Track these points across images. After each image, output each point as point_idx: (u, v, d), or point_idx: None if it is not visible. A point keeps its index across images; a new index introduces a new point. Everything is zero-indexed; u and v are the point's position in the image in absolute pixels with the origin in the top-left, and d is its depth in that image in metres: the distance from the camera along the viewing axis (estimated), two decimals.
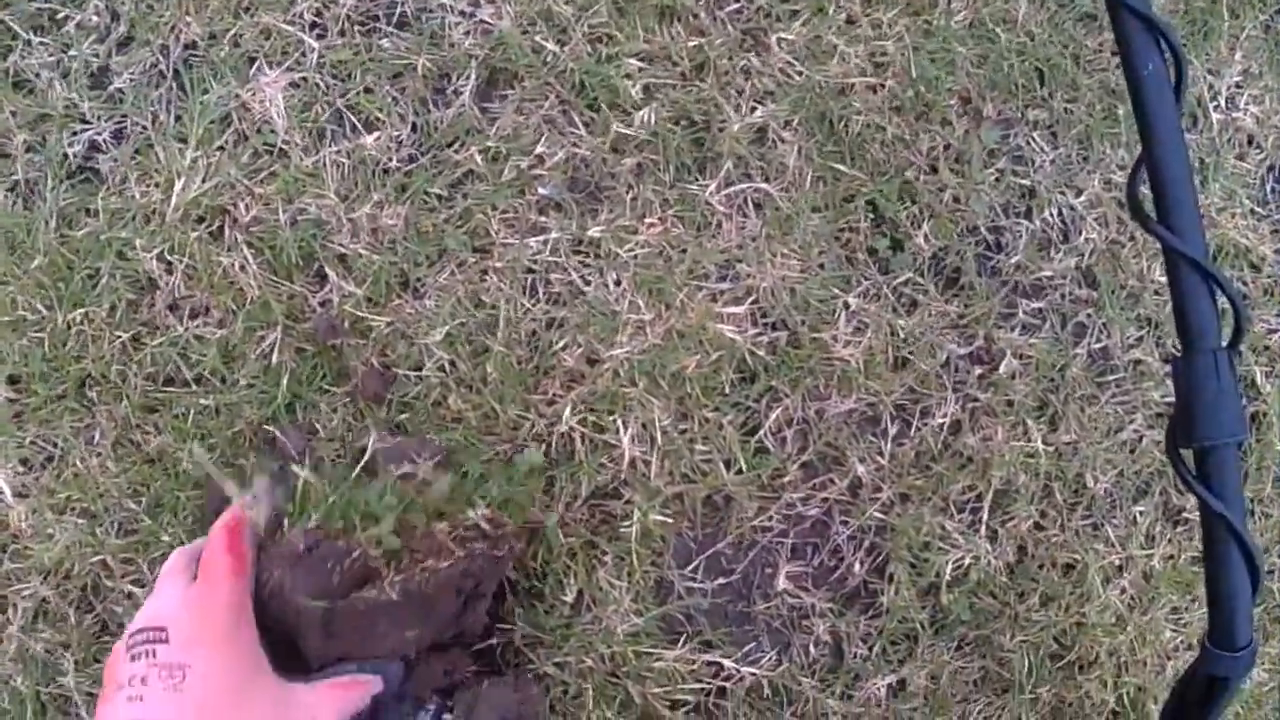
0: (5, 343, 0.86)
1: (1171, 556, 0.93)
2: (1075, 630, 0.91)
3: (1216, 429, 0.65)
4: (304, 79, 0.88)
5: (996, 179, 0.93)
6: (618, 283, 0.87)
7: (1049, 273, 0.93)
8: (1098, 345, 0.93)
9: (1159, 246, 0.69)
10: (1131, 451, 0.93)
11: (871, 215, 0.91)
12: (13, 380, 0.87)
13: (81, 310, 0.86)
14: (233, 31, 0.89)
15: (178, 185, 0.86)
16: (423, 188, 0.87)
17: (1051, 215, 0.93)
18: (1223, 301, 0.66)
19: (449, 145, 0.87)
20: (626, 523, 0.85)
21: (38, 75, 0.90)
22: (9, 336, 0.86)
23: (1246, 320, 0.74)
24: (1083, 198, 0.93)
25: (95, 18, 0.90)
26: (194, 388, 0.85)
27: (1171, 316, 0.69)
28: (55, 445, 0.87)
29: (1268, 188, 0.99)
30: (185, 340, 0.85)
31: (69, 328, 0.86)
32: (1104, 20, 0.94)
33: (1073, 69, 0.93)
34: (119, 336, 0.86)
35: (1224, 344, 0.66)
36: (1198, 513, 0.75)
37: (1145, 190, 0.67)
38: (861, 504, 0.90)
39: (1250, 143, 0.98)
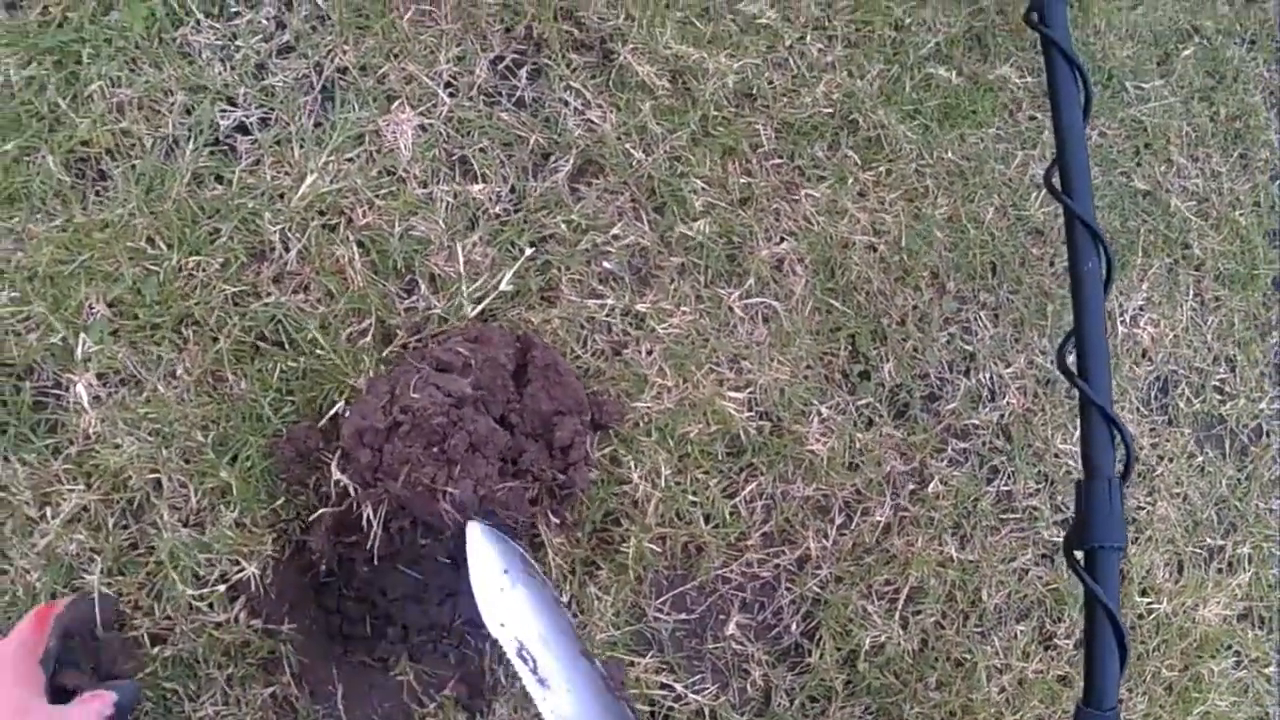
0: (123, 267, 1.09)
1: (1042, 671, 1.28)
2: (961, 713, 1.23)
3: (1105, 536, 1.01)
4: (431, 125, 1.19)
5: (948, 340, 1.31)
6: (650, 352, 1.19)
7: (976, 422, 1.30)
8: (1005, 488, 1.31)
9: (1065, 416, 1.08)
10: (1020, 579, 1.29)
11: (850, 347, 1.28)
12: (115, 303, 1.10)
13: (197, 258, 1.11)
14: (382, 69, 1.19)
15: (309, 179, 1.14)
16: (511, 238, 1.18)
17: (984, 378, 1.32)
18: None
19: (539, 210, 1.19)
20: (624, 547, 1.14)
21: (201, 52, 1.18)
22: (126, 263, 1.10)
23: (1134, 459, 1.12)
24: (1011, 369, 1.32)
25: (265, 20, 1.20)
26: (286, 349, 1.10)
27: (1067, 476, 1.06)
28: (142, 369, 1.09)
29: (1152, 394, 1.41)
30: (287, 308, 1.11)
31: (181, 270, 1.10)
32: (1048, 235, 1.36)
33: (1018, 268, 1.34)
34: (225, 289, 1.10)
35: (1117, 474, 1.03)
36: (1082, 604, 1.10)
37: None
38: (805, 576, 1.22)
39: (1144, 355, 1.40)
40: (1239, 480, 1.43)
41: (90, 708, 0.93)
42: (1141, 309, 1.40)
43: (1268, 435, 1.46)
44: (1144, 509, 1.37)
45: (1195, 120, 1.49)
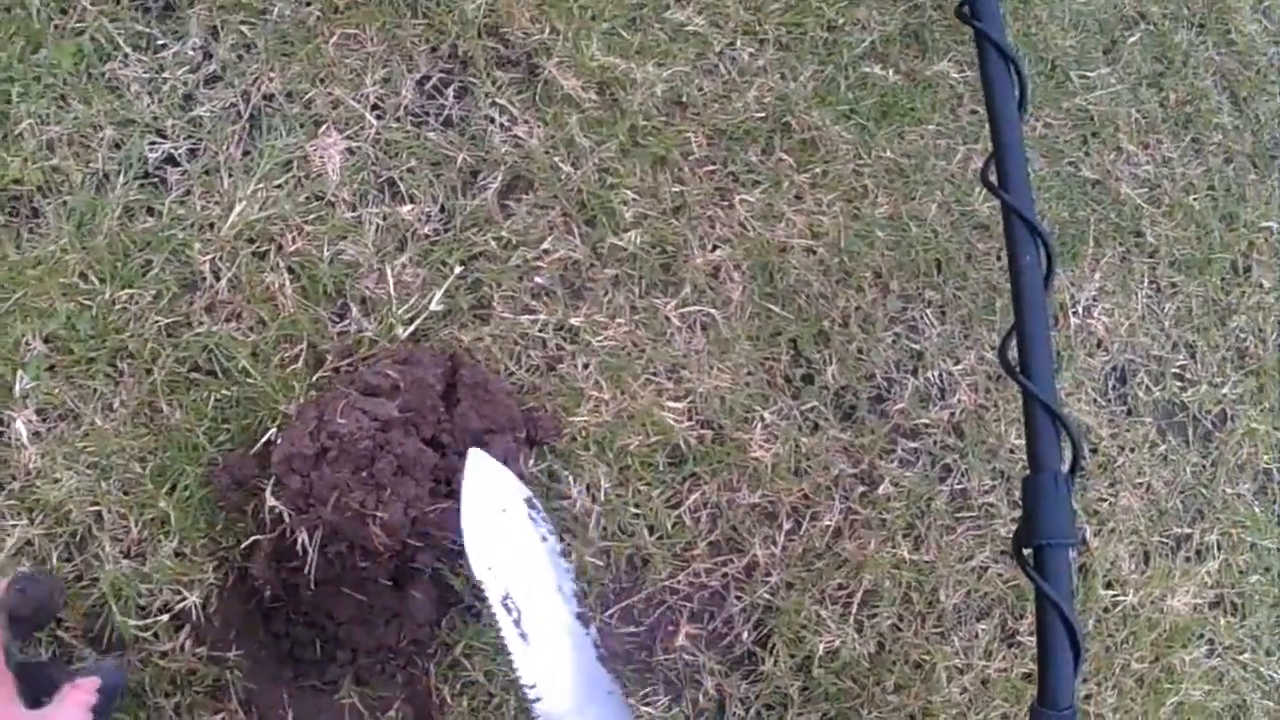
0: (56, 303, 1.11)
1: (1005, 670, 1.27)
2: (922, 715, 1.23)
3: (1053, 532, 1.01)
4: (359, 148, 1.21)
5: (894, 340, 1.32)
6: (585, 366, 1.20)
7: (926, 421, 1.31)
8: (959, 486, 1.31)
9: (1018, 410, 1.08)
10: (979, 577, 1.29)
11: (792, 351, 1.28)
12: (50, 339, 1.12)
13: (130, 290, 1.12)
14: (308, 95, 1.21)
15: (237, 207, 1.16)
16: (441, 257, 1.19)
17: (933, 376, 1.32)
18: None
19: (469, 228, 1.20)
20: (567, 561, 1.14)
21: (129, 86, 1.20)
22: (60, 299, 1.12)
23: (1082, 454, 1.12)
24: (960, 366, 1.32)
25: (191, 51, 1.22)
26: (219, 378, 1.12)
27: (1023, 472, 1.06)
28: (79, 403, 1.11)
29: (1109, 384, 1.41)
30: (219, 337, 1.13)
31: (114, 303, 1.12)
32: (994, 229, 1.37)
33: (964, 264, 1.34)
34: (158, 320, 1.12)
35: (1065, 469, 1.03)
36: (1033, 602, 1.10)
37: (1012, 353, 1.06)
38: (755, 584, 1.22)
39: (1099, 345, 1.40)
40: (1204, 467, 1.42)
41: (73, 701, 0.88)
42: (1095, 299, 1.40)
43: (1233, 420, 1.45)
44: (1106, 501, 1.37)
45: (1144, 107, 1.48)
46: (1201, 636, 1.39)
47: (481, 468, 1.02)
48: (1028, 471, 1.06)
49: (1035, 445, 1.05)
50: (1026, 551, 1.04)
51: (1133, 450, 1.38)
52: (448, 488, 1.09)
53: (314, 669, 1.16)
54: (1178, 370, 1.43)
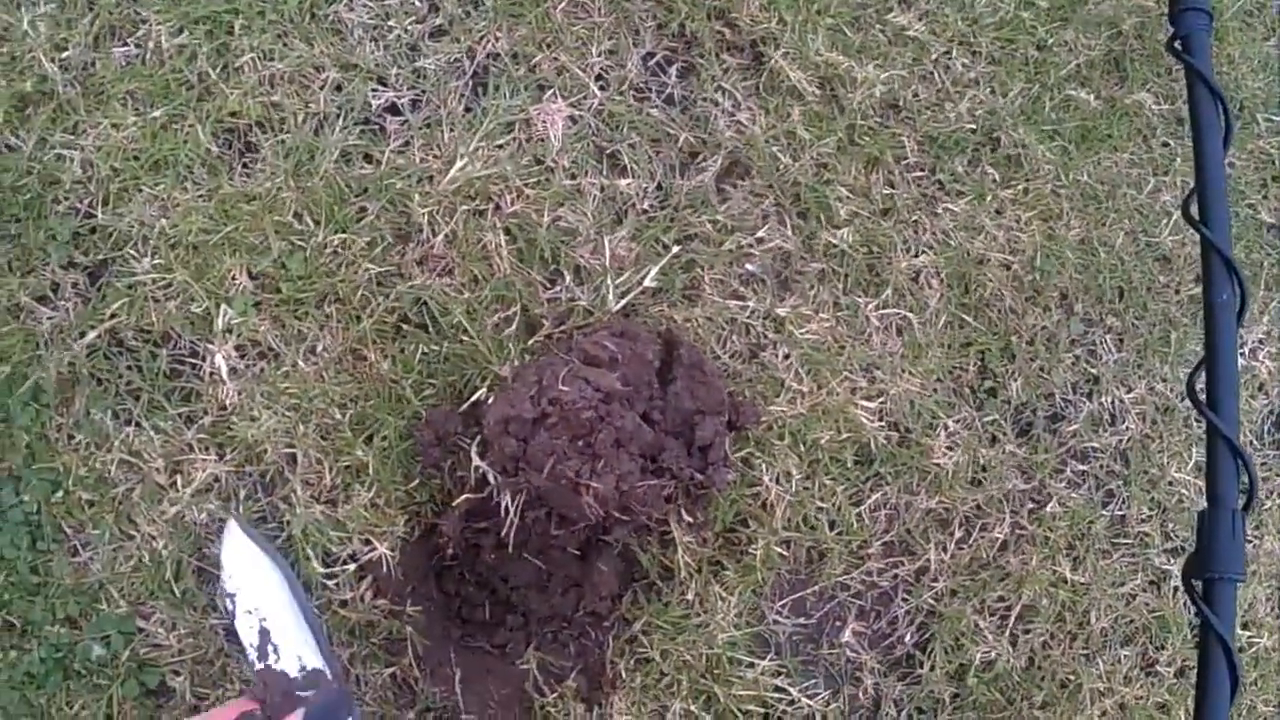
0: (269, 240, 1.14)
1: (1142, 697, 1.32)
2: None
3: (1225, 566, 1.05)
4: (582, 117, 1.23)
5: (1073, 362, 1.35)
6: (787, 357, 1.23)
7: (1096, 445, 1.35)
8: (1119, 512, 1.35)
9: (1182, 444, 1.12)
10: (1128, 604, 1.33)
11: (980, 363, 1.31)
12: (259, 276, 1.14)
13: (343, 235, 1.14)
14: (534, 58, 1.23)
15: (459, 163, 1.17)
16: (657, 234, 1.22)
17: (1106, 402, 1.36)
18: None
19: (685, 208, 1.23)
20: (751, 549, 1.18)
21: (353, 30, 1.22)
22: (272, 236, 1.14)
23: (1259, 492, 1.17)
24: (1132, 394, 1.36)
25: (418, 2, 1.23)
26: (429, 333, 1.15)
27: (1179, 505, 1.10)
28: (281, 343, 1.13)
29: (1266, 427, 1.46)
30: (433, 291, 1.15)
31: (327, 246, 1.14)
32: (1176, 263, 1.40)
33: (1145, 295, 1.38)
34: (371, 268, 1.14)
35: (1240, 506, 1.07)
36: (1196, 635, 1.14)
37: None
38: (921, 588, 1.26)
39: (1260, 389, 1.44)
40: None
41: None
42: (1261, 342, 1.44)
43: None
44: (1250, 542, 1.41)
45: None
46: None
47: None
48: (1199, 505, 1.10)
49: (1215, 480, 1.09)
50: (1196, 583, 1.09)
51: None
52: (654, 464, 1.12)
53: (482, 630, 1.19)
54: None
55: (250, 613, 1.04)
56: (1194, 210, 1.19)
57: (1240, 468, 1.07)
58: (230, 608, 1.05)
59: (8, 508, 1.10)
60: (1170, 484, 1.34)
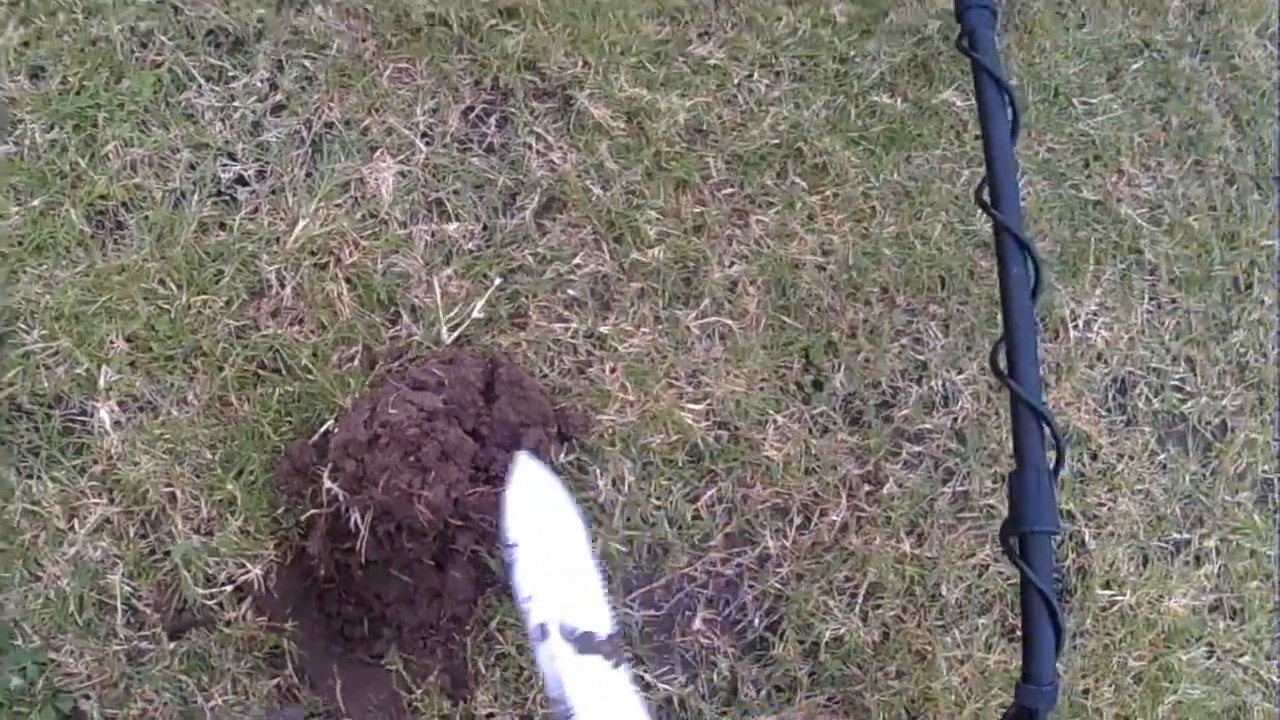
0: (138, 306, 1.39)
1: (1004, 661, 1.50)
2: (922, 700, 1.46)
3: (1036, 521, 1.25)
4: (410, 171, 1.48)
5: (899, 351, 1.56)
6: (613, 370, 1.46)
7: (929, 427, 1.55)
8: (961, 488, 1.55)
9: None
10: (980, 574, 1.52)
11: (804, 359, 1.53)
12: (132, 338, 1.39)
13: (204, 296, 1.40)
14: (364, 123, 1.49)
15: (301, 224, 1.43)
16: (483, 270, 1.46)
17: (937, 385, 1.56)
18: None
19: (508, 244, 1.47)
20: (592, 549, 1.40)
21: (203, 113, 1.48)
22: (141, 303, 1.40)
23: (1064, 451, 1.36)
24: (963, 375, 1.57)
25: (259, 83, 1.50)
26: (283, 376, 1.39)
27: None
28: (156, 396, 1.38)
29: (1109, 395, 1.65)
30: (284, 339, 1.40)
31: (190, 307, 1.40)
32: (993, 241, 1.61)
33: (967, 280, 1.59)
34: (229, 323, 1.39)
35: (1050, 466, 1.27)
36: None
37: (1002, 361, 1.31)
38: (766, 574, 1.47)
39: (1099, 358, 1.64)
40: (1203, 475, 1.65)
41: None
42: (1095, 314, 1.64)
43: (1232, 431, 1.68)
44: (1105, 506, 1.60)
45: (1146, 131, 1.73)
46: (1200, 639, 1.61)
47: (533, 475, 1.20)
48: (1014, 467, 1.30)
49: (1021, 442, 1.30)
50: (1013, 541, 1.28)
51: (1132, 458, 1.61)
52: (486, 475, 1.35)
53: (361, 644, 1.42)
54: (1177, 383, 1.66)
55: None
56: (986, 195, 1.40)
57: (1045, 431, 1.26)
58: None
59: None
60: (1010, 458, 1.54)
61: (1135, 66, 1.75)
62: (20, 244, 1.41)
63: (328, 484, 1.33)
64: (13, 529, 1.35)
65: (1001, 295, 1.36)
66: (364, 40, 1.50)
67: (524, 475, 1.18)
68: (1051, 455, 1.28)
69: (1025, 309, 1.34)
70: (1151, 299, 1.67)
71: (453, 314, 1.41)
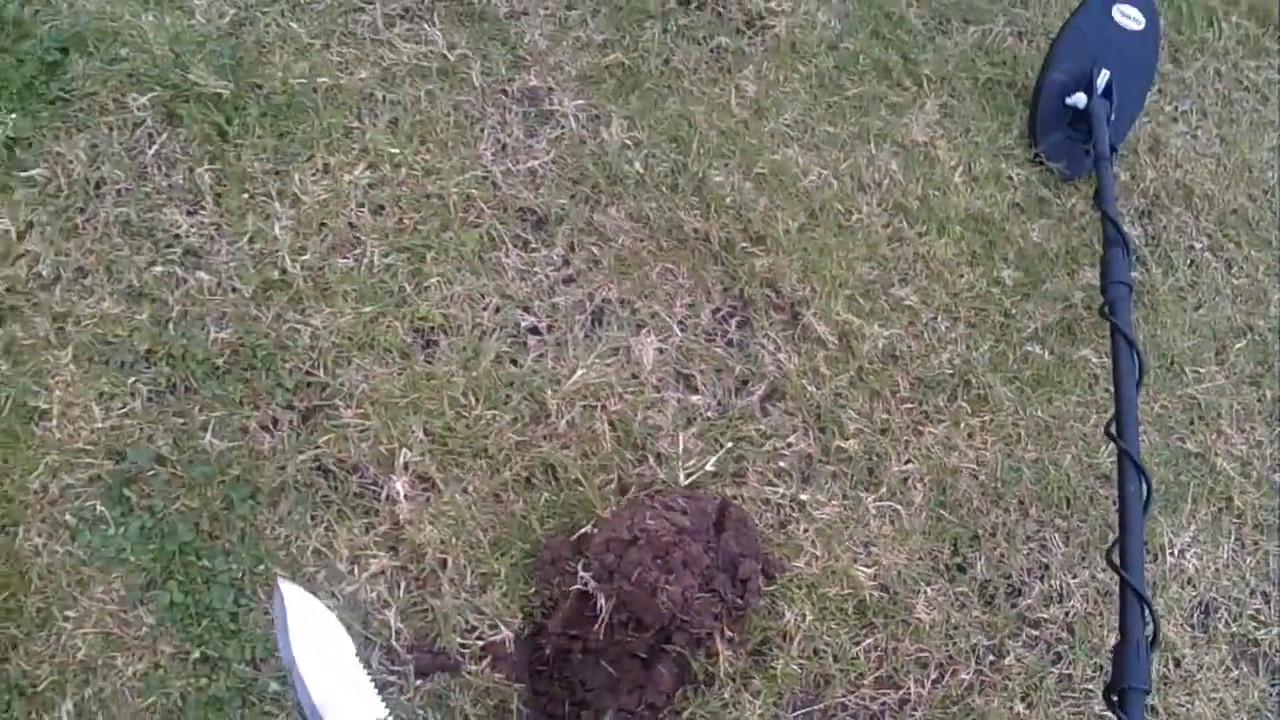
0: (443, 408, 1.84)
1: None
2: None
3: (1134, 680, 1.64)
4: (666, 349, 1.95)
5: (1028, 552, 1.98)
6: (806, 530, 1.88)
7: (1046, 616, 1.95)
8: (1066, 671, 1.94)
9: (1117, 620, 1.75)
10: None
11: (953, 546, 1.95)
12: (430, 432, 1.83)
13: (494, 411, 1.85)
14: (635, 304, 1.97)
15: (578, 372, 1.89)
16: (716, 435, 1.91)
17: (1055, 584, 1.98)
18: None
19: (737, 419, 1.93)
20: (773, 665, 1.80)
21: (508, 271, 1.97)
22: (446, 405, 1.85)
23: (1159, 630, 1.77)
24: (1077, 580, 1.98)
25: (556, 257, 1.99)
26: (552, 485, 1.83)
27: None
28: (443, 481, 1.81)
29: (1194, 615, 2.04)
30: (555, 457, 1.84)
31: (481, 418, 1.85)
32: (1113, 480, 2.05)
33: (1087, 504, 2.02)
34: (512, 437, 1.84)
35: (1148, 640, 1.67)
36: None
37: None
38: (905, 714, 1.85)
39: (1189, 582, 2.04)
40: (1270, 694, 2.03)
41: None
42: (1189, 545, 2.06)
43: None
44: (1184, 706, 1.98)
45: (1244, 400, 2.19)
46: None
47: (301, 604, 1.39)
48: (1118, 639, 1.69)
49: (1126, 619, 1.70)
50: (1113, 698, 1.67)
51: (1209, 670, 2.00)
52: (709, 588, 1.76)
53: None
54: (1253, 612, 2.06)
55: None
56: (1113, 428, 1.85)
57: (1145, 613, 1.67)
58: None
59: (220, 571, 1.75)
60: (1109, 653, 1.94)
61: (1239, 345, 2.23)
62: (350, 339, 1.87)
63: (581, 573, 1.74)
64: (298, 562, 1.75)
65: (1120, 505, 1.79)
66: (642, 241, 2.00)
67: (293, 599, 1.40)
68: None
69: (1137, 518, 1.77)
70: (1237, 539, 2.09)
71: (690, 464, 1.86)
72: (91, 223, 1.86)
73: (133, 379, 1.79)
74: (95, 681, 1.68)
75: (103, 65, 1.91)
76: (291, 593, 1.40)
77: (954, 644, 1.88)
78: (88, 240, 1.86)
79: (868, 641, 1.85)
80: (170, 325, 1.82)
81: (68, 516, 1.73)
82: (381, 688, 1.72)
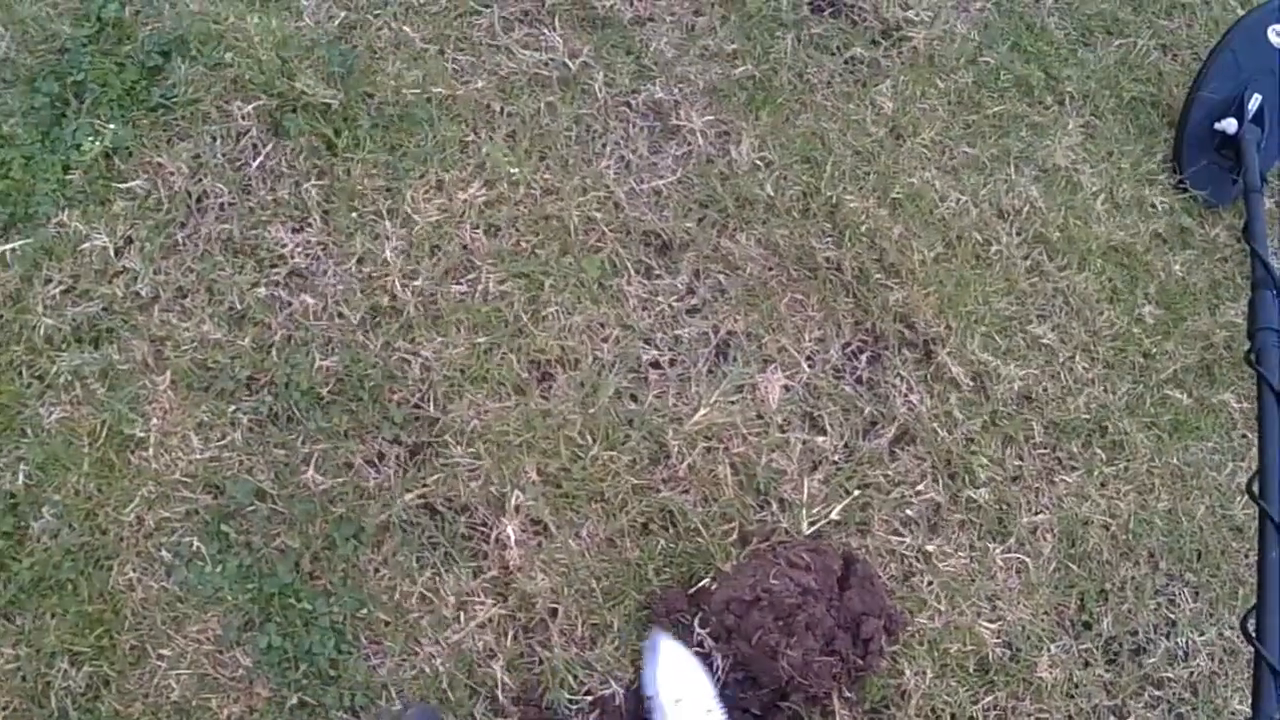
0: (558, 447, 1.76)
1: None
2: None
3: None
4: (793, 386, 1.86)
5: (1155, 608, 1.91)
6: (930, 583, 1.81)
7: (1170, 675, 1.89)
8: None
9: (1245, 681, 1.67)
10: None
11: (1079, 601, 1.88)
12: (544, 473, 1.74)
13: (612, 452, 1.75)
14: (762, 338, 1.87)
15: (701, 410, 1.80)
16: (842, 481, 1.83)
17: (1182, 641, 1.91)
18: None
19: (864, 463, 1.84)
20: None
21: (630, 300, 1.87)
22: (562, 445, 1.77)
23: None
24: (1204, 637, 1.91)
25: (679, 285, 1.89)
26: (669, 532, 1.76)
27: None
28: (556, 526, 1.73)
29: None
30: (675, 502, 1.77)
31: (598, 459, 1.77)
32: (1247, 533, 1.96)
33: (1219, 557, 1.94)
34: (630, 479, 1.76)
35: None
36: None
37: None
38: None
39: None
40: None
41: None
42: None
43: None
44: None
45: None
46: None
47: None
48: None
49: (1259, 694, 1.63)
50: None
51: None
52: (829, 647, 1.70)
53: None
54: None
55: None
56: (1255, 488, 1.75)
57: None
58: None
59: (320, 614, 1.70)
60: (1232, 714, 1.88)
61: None
62: (462, 371, 1.78)
63: (698, 630, 1.68)
64: (402, 607, 1.70)
65: (1259, 570, 1.70)
66: (771, 269, 1.89)
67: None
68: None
69: (1277, 587, 1.69)
70: None
71: (814, 512, 1.78)
72: (192, 239, 1.77)
73: (233, 408, 1.72)
74: None
75: (206, 71, 1.78)
76: (668, 644, 1.63)
77: (1075, 704, 1.83)
78: (188, 258, 1.76)
79: (987, 700, 1.80)
80: (273, 351, 1.74)
81: (164, 551, 1.68)
82: None
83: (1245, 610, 1.68)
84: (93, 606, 1.67)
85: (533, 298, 1.82)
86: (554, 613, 1.73)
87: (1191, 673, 1.89)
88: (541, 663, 1.71)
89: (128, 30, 1.79)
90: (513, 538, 1.73)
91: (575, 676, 1.70)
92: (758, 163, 1.90)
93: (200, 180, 1.78)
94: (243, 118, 1.79)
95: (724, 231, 1.89)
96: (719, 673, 1.66)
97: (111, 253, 1.75)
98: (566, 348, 1.82)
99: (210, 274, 1.75)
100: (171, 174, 1.77)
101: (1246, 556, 1.95)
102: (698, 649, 1.67)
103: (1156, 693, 1.87)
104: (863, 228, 1.88)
